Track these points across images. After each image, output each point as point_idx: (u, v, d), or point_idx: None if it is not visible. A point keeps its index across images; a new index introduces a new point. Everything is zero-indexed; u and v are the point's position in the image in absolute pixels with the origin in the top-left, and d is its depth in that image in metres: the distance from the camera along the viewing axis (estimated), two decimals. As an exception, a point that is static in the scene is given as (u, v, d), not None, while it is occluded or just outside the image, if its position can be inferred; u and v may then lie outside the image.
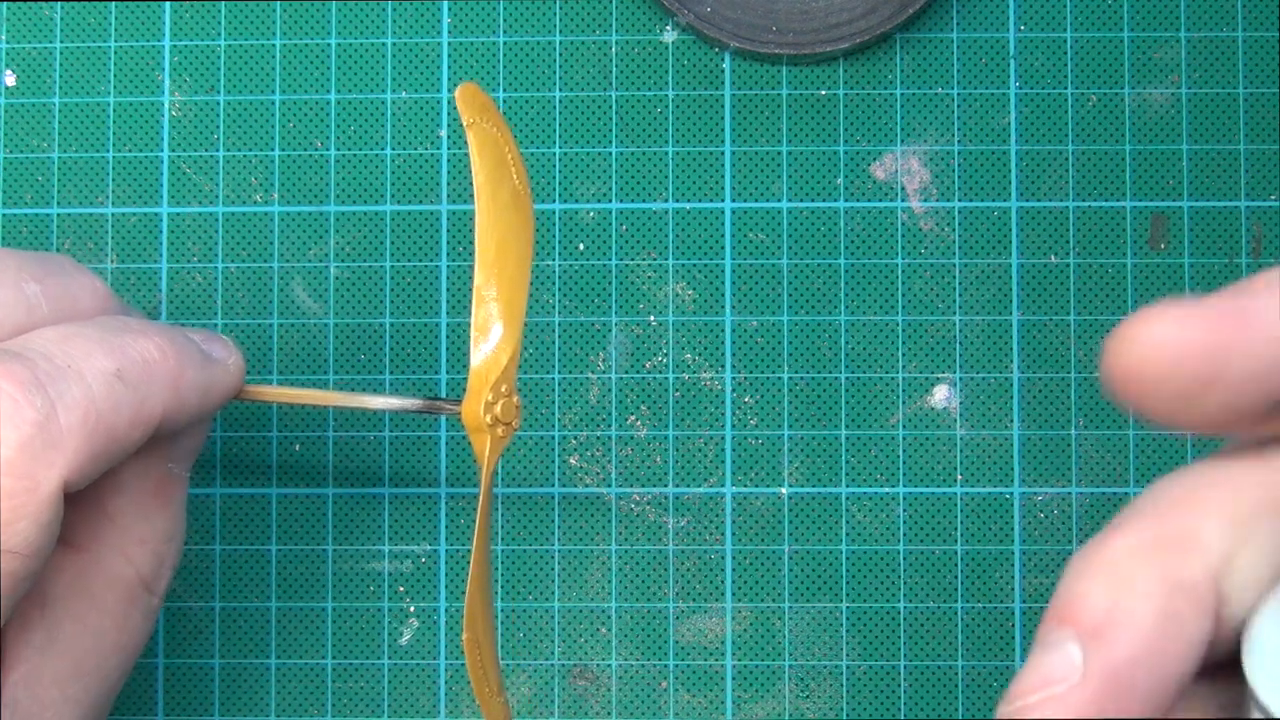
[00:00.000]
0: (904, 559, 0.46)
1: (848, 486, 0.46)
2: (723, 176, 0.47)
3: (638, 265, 0.47)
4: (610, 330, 0.47)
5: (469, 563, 0.40)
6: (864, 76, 0.47)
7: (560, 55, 0.47)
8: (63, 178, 0.47)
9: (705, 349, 0.46)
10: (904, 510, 0.46)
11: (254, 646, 0.46)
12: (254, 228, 0.47)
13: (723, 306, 0.47)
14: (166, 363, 0.36)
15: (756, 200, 0.47)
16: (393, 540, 0.46)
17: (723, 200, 0.47)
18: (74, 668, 0.37)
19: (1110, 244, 0.46)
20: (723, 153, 0.47)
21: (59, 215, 0.47)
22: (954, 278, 0.47)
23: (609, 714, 0.46)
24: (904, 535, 0.46)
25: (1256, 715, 0.26)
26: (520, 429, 0.46)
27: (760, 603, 0.46)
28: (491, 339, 0.39)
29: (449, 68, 0.47)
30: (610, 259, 0.47)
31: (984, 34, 0.47)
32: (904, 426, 0.46)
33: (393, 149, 0.47)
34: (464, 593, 0.39)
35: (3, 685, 0.36)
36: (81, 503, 0.37)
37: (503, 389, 0.39)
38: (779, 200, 0.47)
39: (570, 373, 0.46)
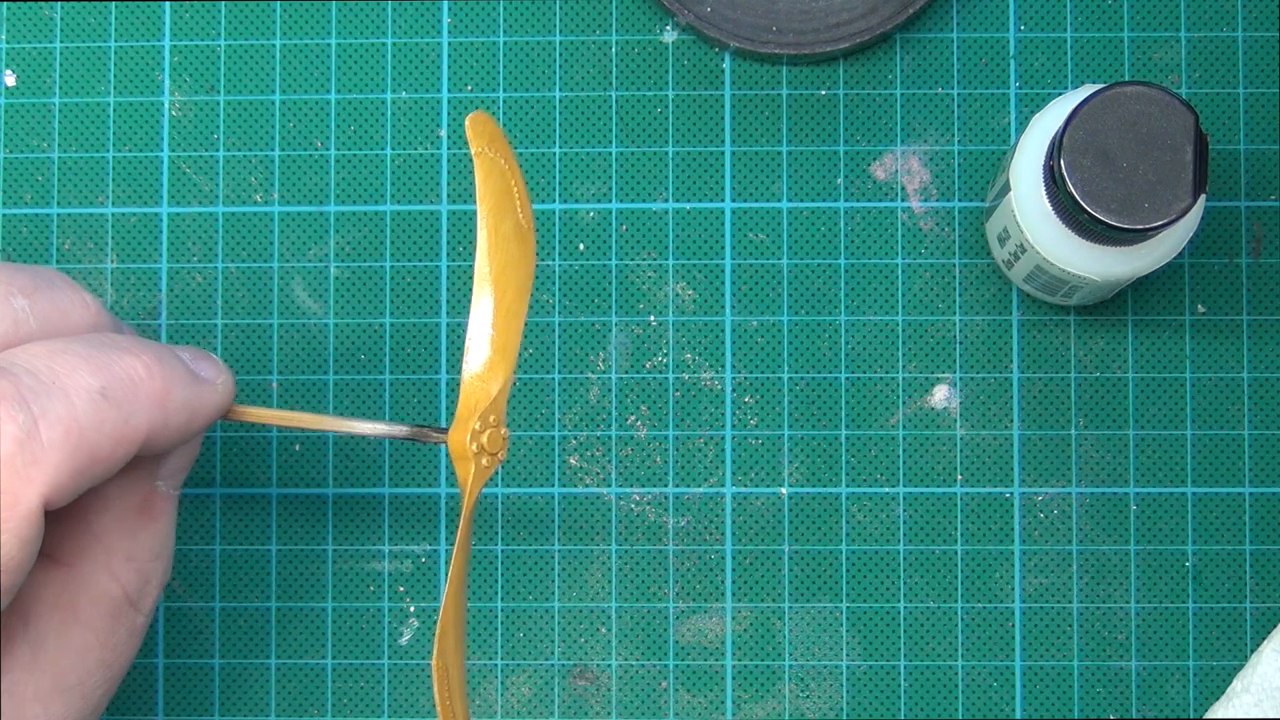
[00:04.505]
0: (904, 559, 0.46)
1: (848, 486, 0.46)
2: (723, 176, 0.47)
3: (638, 265, 0.47)
4: (610, 330, 0.47)
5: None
6: (864, 76, 0.47)
7: (560, 55, 0.47)
8: (63, 178, 0.47)
9: (705, 349, 0.46)
10: (904, 510, 0.46)
11: (254, 646, 0.46)
12: (254, 228, 0.47)
13: (723, 306, 0.47)
14: (153, 381, 0.35)
15: (756, 200, 0.47)
16: (393, 540, 0.46)
17: (723, 200, 0.47)
18: (57, 683, 0.37)
19: (1110, 244, 0.46)
20: (723, 153, 0.47)
21: (59, 215, 0.47)
22: (954, 278, 0.46)
23: (609, 714, 0.46)
24: (904, 535, 0.46)
25: None
26: (519, 431, 0.46)
27: (760, 603, 0.46)
28: (483, 369, 0.38)
29: (449, 68, 0.47)
30: (610, 259, 0.47)
31: (984, 34, 0.47)
32: (904, 426, 0.46)
33: (393, 149, 0.47)
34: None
35: None
36: (67, 519, 0.37)
37: (490, 419, 0.38)
38: (779, 200, 0.47)
39: (570, 373, 0.46)
